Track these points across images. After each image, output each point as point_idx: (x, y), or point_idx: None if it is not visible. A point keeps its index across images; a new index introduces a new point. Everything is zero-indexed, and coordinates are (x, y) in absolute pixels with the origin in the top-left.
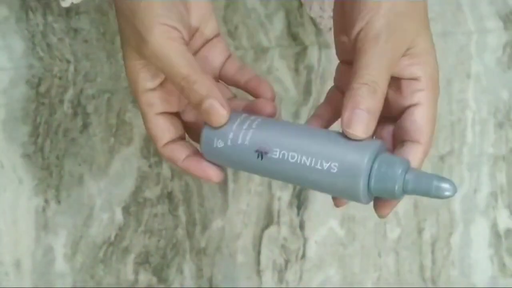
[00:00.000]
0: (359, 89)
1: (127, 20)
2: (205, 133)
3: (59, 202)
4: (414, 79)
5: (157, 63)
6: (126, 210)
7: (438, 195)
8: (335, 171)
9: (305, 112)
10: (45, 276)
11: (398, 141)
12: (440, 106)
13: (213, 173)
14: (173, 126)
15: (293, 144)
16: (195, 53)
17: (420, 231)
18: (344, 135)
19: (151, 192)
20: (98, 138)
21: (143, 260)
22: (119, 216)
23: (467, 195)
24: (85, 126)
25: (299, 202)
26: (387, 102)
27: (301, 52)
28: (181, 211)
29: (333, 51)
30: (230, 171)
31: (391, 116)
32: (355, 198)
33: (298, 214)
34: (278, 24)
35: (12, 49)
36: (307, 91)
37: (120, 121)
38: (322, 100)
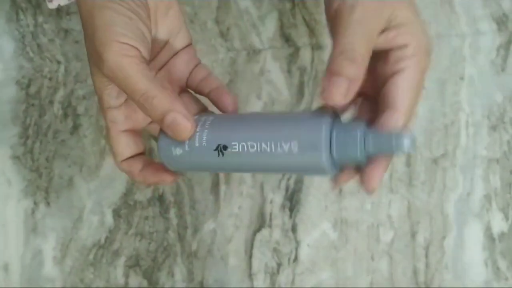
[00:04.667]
0: (337, 57)
1: (89, 39)
2: (161, 143)
3: (48, 204)
4: (403, 46)
5: (115, 81)
6: (116, 212)
7: (400, 150)
8: (296, 150)
9: None
10: (33, 279)
11: (379, 112)
12: (433, 109)
13: (167, 175)
14: (134, 143)
15: (250, 134)
16: (163, 65)
17: (413, 235)
18: (296, 115)
19: (142, 194)
20: (88, 139)
21: (134, 263)
22: (109, 218)
23: (460, 198)
24: (76, 127)
25: (292, 204)
26: (376, 77)
27: (294, 54)
28: (172, 214)
29: (326, 52)
30: (221, 174)
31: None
32: (321, 172)
33: (290, 216)
34: (270, 26)
35: (2, 50)
36: (300, 92)
37: None
38: (315, 101)
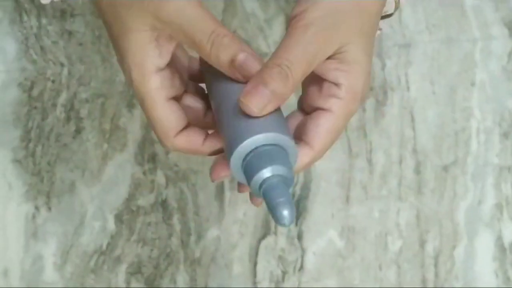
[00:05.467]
0: (270, 68)
1: None
2: None
3: (49, 209)
4: (335, 84)
5: (181, 21)
6: (118, 218)
7: (276, 220)
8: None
9: None
10: (33, 285)
11: (296, 137)
12: (443, 115)
13: None
14: (182, 112)
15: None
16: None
17: (422, 244)
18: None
19: (145, 199)
20: (91, 143)
21: (136, 270)
22: (111, 224)
23: (471, 206)
24: (78, 131)
25: (298, 211)
26: (306, 98)
27: None
28: (175, 220)
29: None
30: (226, 180)
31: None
32: (228, 155)
33: (296, 224)
34: (277, 29)
35: (5, 52)
36: None
37: (114, 126)
38: None
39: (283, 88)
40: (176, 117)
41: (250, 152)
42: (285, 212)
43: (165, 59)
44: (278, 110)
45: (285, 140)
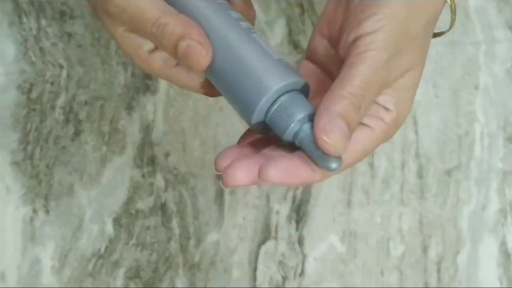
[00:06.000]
0: (345, 98)
1: None
2: None
3: (47, 212)
4: (384, 108)
5: (125, 17)
6: (117, 221)
7: (322, 165)
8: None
9: None
10: None
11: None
12: (446, 119)
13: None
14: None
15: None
16: None
17: (425, 249)
18: (286, 63)
19: (144, 203)
20: (90, 146)
21: (134, 274)
22: (109, 227)
23: (475, 212)
24: (77, 133)
25: (298, 216)
26: None
27: (302, 60)
28: (174, 224)
29: None
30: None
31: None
32: (247, 109)
33: (297, 229)
34: (278, 31)
35: (4, 54)
36: None
37: (113, 129)
38: None
39: (357, 121)
40: (190, 77)
41: (274, 103)
42: (333, 158)
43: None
44: (268, 51)
45: (301, 82)
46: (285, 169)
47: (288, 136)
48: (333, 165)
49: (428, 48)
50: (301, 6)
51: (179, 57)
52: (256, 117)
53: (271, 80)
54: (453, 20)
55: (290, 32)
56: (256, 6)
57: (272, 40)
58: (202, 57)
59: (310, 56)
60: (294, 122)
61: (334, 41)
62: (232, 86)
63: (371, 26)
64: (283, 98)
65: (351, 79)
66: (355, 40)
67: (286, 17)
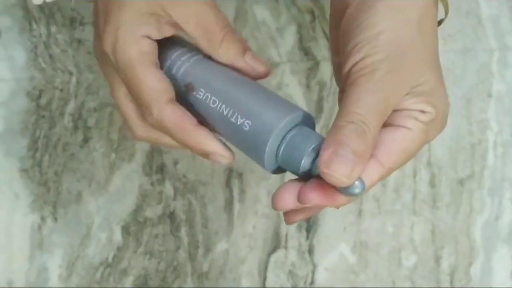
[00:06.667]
0: (344, 127)
1: None
2: None
3: (55, 219)
4: (420, 112)
5: (199, 9)
6: (125, 229)
7: (345, 192)
8: (247, 129)
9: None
10: None
11: None
12: (459, 127)
13: (226, 149)
14: (171, 85)
15: (219, 90)
16: None
17: (437, 260)
18: (274, 99)
19: (152, 211)
20: (98, 153)
21: (142, 283)
22: (118, 236)
23: (488, 222)
24: (86, 140)
25: (309, 225)
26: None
27: (313, 68)
28: (183, 232)
29: None
30: (236, 192)
31: None
32: (259, 160)
33: (307, 238)
34: (289, 38)
35: (14, 60)
36: (319, 108)
37: (122, 136)
38: (333, 117)
39: (364, 146)
40: (166, 85)
41: (282, 140)
42: (356, 183)
43: (161, 35)
44: (259, 85)
45: (299, 115)
46: (322, 191)
47: (303, 170)
48: (356, 190)
49: (435, 40)
50: (311, 12)
51: (244, 60)
52: (269, 164)
53: (266, 130)
54: (446, 9)
55: (300, 39)
56: (267, 13)
57: (283, 47)
58: (262, 64)
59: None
60: (304, 157)
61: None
62: (238, 147)
63: (358, 55)
64: (287, 137)
65: (348, 107)
66: (347, 73)
67: (296, 24)
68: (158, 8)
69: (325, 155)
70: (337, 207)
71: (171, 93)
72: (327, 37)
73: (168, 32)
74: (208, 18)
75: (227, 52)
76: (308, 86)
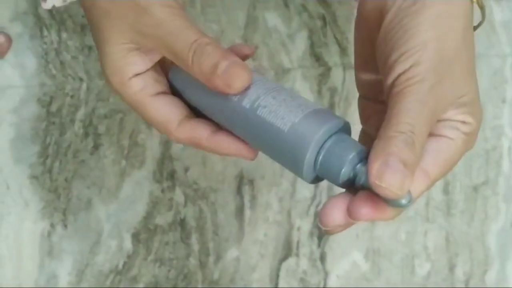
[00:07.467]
0: (394, 138)
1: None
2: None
3: (65, 226)
4: (460, 122)
5: (162, 32)
6: (135, 237)
7: (393, 204)
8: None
9: None
10: None
11: None
12: None
13: (246, 148)
14: (178, 104)
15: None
16: None
17: (452, 268)
18: (319, 111)
19: (163, 218)
20: (109, 160)
21: None
22: (128, 243)
23: (503, 228)
24: (96, 147)
25: (320, 232)
26: None
27: (325, 73)
28: (193, 240)
29: None
30: (247, 199)
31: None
32: (298, 170)
33: (319, 245)
34: (300, 44)
35: (25, 67)
36: None
37: (133, 143)
38: None
39: (414, 157)
40: (169, 110)
41: (318, 154)
42: (404, 201)
43: (147, 66)
44: (292, 95)
45: (339, 123)
46: (373, 205)
47: (343, 179)
48: (403, 202)
49: (474, 49)
50: (323, 18)
51: (217, 76)
52: (308, 174)
53: (305, 140)
54: (483, 13)
55: (312, 45)
56: (278, 19)
57: (294, 53)
58: (242, 76)
59: (363, 94)
60: (344, 166)
61: (378, 74)
62: (274, 158)
63: (405, 64)
64: (326, 145)
65: (396, 117)
66: (392, 83)
67: (308, 29)
68: (137, 38)
69: (375, 166)
70: (385, 221)
71: (179, 115)
72: (339, 42)
73: (154, 58)
74: (175, 39)
75: (200, 72)
76: (319, 92)
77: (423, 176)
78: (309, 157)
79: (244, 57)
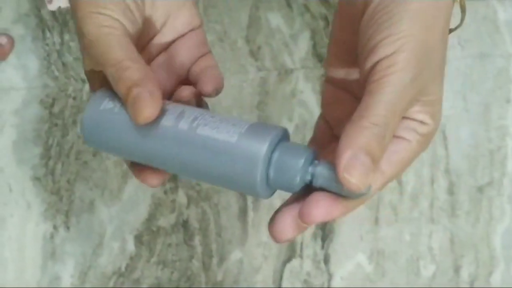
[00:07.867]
0: (368, 129)
1: (76, 22)
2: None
3: (68, 228)
4: (419, 121)
5: (94, 54)
6: (138, 239)
7: (352, 196)
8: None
9: None
10: None
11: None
12: (477, 133)
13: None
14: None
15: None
16: (165, 47)
17: (457, 269)
18: (256, 125)
19: (166, 220)
20: (111, 161)
21: None
22: (130, 245)
23: (508, 230)
24: None
25: (324, 234)
26: None
27: (324, 83)
28: (197, 241)
29: None
30: (250, 201)
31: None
32: (252, 191)
33: (322, 247)
34: (303, 45)
35: (27, 69)
36: None
37: None
38: None
39: (380, 153)
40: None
41: (268, 165)
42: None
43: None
44: (225, 115)
45: (278, 133)
46: (325, 205)
47: (299, 187)
48: (363, 191)
49: (446, 56)
50: (325, 19)
51: (128, 104)
52: (264, 192)
53: (252, 160)
54: (463, 17)
55: (314, 45)
56: (280, 20)
57: (297, 54)
58: (148, 108)
59: (330, 79)
60: (298, 174)
61: (351, 63)
62: (221, 180)
63: (388, 49)
64: (273, 160)
65: (373, 107)
66: (372, 67)
67: (310, 30)
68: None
69: (345, 158)
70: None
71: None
72: None
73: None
74: (108, 56)
75: (119, 92)
76: (321, 93)
77: (378, 175)
78: (260, 177)
79: (198, 94)
